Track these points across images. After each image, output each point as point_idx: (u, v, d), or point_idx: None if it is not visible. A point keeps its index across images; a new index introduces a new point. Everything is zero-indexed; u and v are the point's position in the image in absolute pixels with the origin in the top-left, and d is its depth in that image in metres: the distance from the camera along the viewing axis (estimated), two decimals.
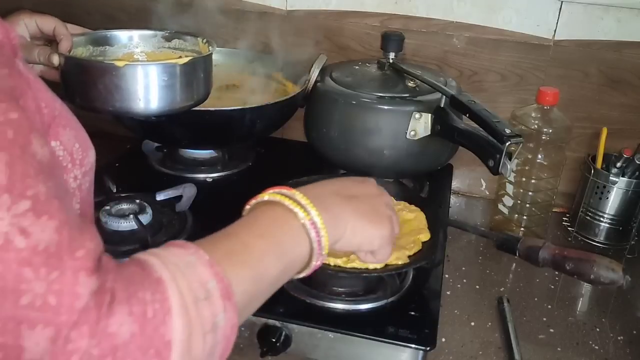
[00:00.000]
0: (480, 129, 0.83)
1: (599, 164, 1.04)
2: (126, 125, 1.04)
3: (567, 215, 1.14)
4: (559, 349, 0.81)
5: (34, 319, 0.36)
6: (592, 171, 1.04)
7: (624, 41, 1.06)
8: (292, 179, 0.85)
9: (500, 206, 1.08)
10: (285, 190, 0.55)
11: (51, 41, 0.81)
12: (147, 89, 0.78)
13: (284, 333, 0.73)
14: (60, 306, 0.37)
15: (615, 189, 1.02)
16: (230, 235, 0.50)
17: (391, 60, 1.02)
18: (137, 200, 0.90)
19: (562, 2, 1.06)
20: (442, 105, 0.91)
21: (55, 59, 0.77)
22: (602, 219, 1.05)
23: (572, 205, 1.13)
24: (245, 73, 1.18)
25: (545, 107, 1.00)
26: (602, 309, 0.90)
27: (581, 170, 1.08)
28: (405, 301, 0.78)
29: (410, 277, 0.82)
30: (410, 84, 0.98)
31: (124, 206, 0.89)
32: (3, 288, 0.36)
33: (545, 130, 1.00)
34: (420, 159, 0.98)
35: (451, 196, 1.15)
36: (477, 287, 0.93)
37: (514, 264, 0.99)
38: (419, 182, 1.09)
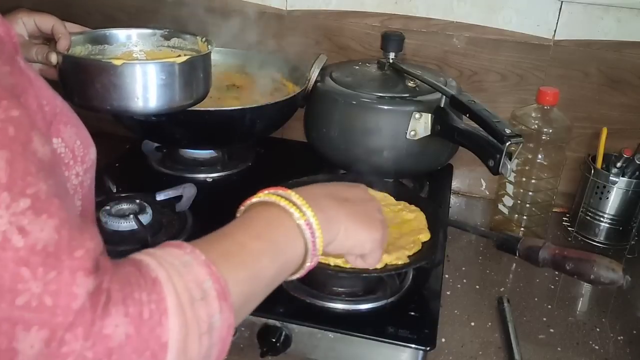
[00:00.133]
0: (480, 129, 0.83)
1: (599, 164, 1.04)
2: (126, 125, 1.04)
3: (567, 215, 1.14)
4: (559, 349, 0.81)
5: (30, 320, 0.36)
6: (592, 171, 1.04)
7: (624, 41, 1.06)
8: (292, 179, 0.85)
9: (500, 206, 1.08)
10: (280, 190, 0.55)
11: (49, 40, 0.80)
12: (145, 88, 0.78)
13: (284, 333, 0.73)
14: (57, 307, 0.36)
15: (615, 189, 1.02)
16: (227, 235, 0.50)
17: (391, 60, 1.02)
18: (137, 200, 0.90)
19: (562, 2, 1.06)
20: (442, 105, 0.91)
21: (54, 58, 0.77)
22: (602, 219, 1.05)
23: (572, 205, 1.13)
24: (245, 73, 1.18)
25: (545, 107, 1.00)
26: (602, 309, 0.90)
27: (581, 170, 1.08)
28: (405, 301, 0.78)
29: (410, 277, 0.82)
30: (410, 84, 0.98)
31: (124, 206, 0.89)
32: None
33: (545, 130, 1.00)
34: (420, 159, 0.97)
35: (451, 196, 1.15)
36: (477, 287, 0.93)
37: (514, 264, 0.99)
38: (419, 182, 1.09)
